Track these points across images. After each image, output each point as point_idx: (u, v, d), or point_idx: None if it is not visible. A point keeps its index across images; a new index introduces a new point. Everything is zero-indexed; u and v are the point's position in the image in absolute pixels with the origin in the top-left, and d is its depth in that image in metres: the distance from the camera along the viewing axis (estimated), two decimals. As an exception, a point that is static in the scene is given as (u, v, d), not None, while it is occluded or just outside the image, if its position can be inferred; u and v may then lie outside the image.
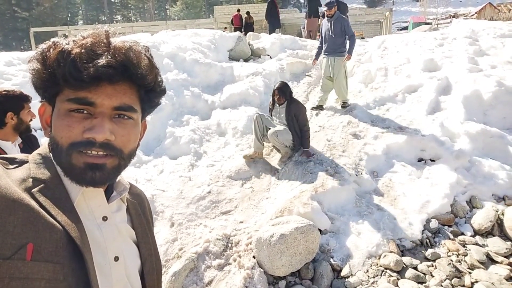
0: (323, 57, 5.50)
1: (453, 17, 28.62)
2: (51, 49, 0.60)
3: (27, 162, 0.64)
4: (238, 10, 14.98)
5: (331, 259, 2.95)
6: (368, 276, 2.81)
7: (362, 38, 12.40)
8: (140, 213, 0.78)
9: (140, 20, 43.43)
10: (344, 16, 5.32)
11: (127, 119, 0.64)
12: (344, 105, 5.53)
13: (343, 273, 2.83)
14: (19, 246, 0.51)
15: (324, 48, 5.46)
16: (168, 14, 44.74)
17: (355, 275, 2.82)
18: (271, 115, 4.61)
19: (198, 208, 3.53)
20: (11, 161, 0.63)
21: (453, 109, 4.78)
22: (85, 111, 0.60)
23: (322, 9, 5.27)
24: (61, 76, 0.58)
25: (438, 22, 27.16)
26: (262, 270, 2.80)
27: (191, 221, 3.38)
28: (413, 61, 6.38)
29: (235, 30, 12.89)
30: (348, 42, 5.34)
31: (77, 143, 0.59)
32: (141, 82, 0.64)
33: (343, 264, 2.92)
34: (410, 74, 5.97)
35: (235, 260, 2.91)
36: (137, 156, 4.29)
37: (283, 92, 4.32)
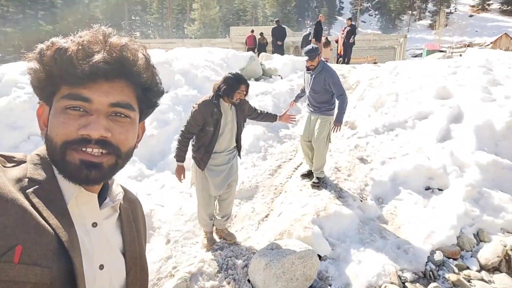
0: (307, 111, 4.27)
1: (468, 46, 28.65)
2: (49, 48, 0.60)
3: (25, 162, 0.63)
4: (252, 31, 15.29)
5: (329, 287, 2.83)
6: (367, 308, 2.68)
7: (375, 63, 12.45)
8: (131, 220, 0.76)
9: (158, 38, 44.76)
10: (330, 68, 3.93)
11: (124, 117, 0.63)
12: (316, 182, 4.02)
13: (340, 303, 2.71)
14: (8, 247, 0.50)
15: (307, 101, 4.21)
16: (185, 32, 46.01)
17: (353, 306, 2.70)
18: None
19: (196, 225, 3.46)
20: (9, 159, 0.62)
21: (463, 138, 4.67)
22: (81, 109, 0.59)
23: (303, 57, 3.93)
24: (57, 73, 0.59)
25: (452, 50, 27.18)
26: (256, 294, 2.71)
27: (187, 239, 3.32)
28: (425, 87, 6.33)
29: (248, 50, 13.11)
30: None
31: (72, 141, 0.59)
32: (137, 80, 0.64)
33: (342, 293, 2.79)
34: (421, 101, 5.90)
35: (229, 283, 2.82)
36: (140, 170, 4.28)
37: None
